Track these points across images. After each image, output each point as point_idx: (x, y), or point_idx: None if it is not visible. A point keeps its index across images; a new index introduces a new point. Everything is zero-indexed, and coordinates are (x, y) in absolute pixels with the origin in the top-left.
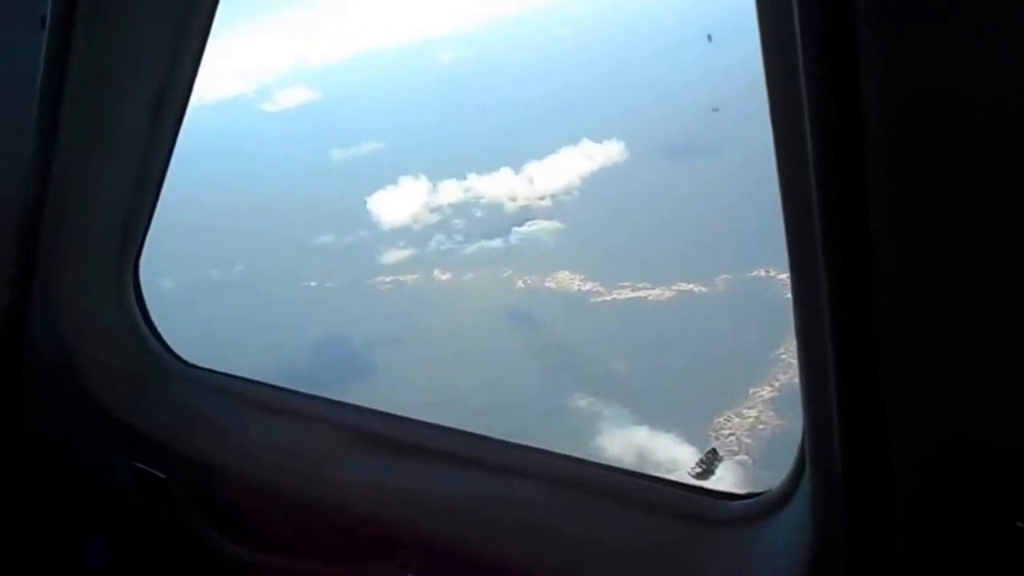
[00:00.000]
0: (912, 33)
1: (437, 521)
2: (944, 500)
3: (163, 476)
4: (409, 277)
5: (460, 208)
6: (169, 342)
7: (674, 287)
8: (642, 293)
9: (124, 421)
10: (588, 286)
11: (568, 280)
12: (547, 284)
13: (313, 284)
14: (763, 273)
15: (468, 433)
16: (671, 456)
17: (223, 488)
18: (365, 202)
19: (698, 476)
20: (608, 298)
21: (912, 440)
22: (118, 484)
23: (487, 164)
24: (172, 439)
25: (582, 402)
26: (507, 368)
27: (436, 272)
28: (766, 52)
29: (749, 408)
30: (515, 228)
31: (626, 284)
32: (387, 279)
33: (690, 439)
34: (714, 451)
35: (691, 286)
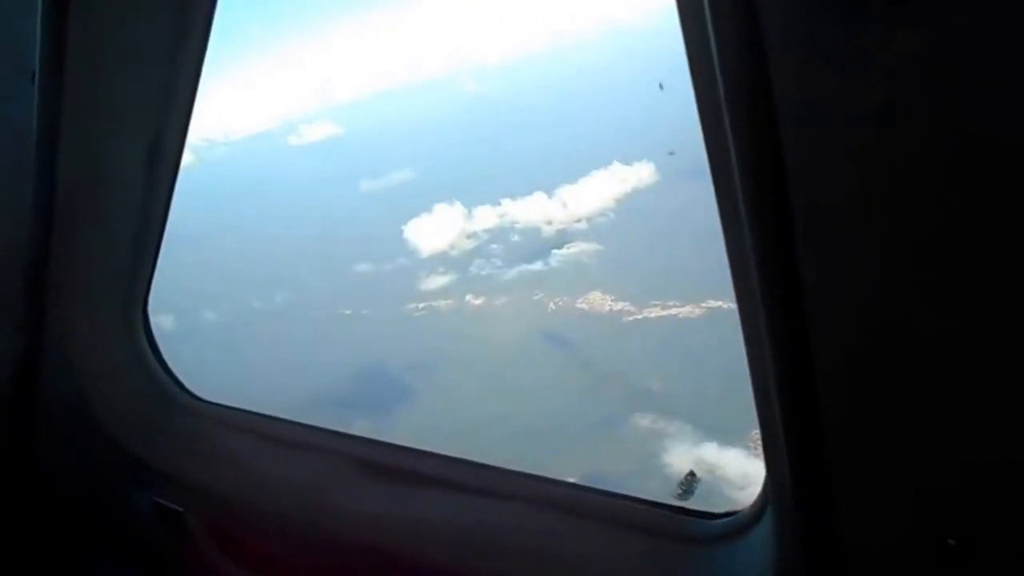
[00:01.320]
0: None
1: (445, 548)
2: (885, 522)
3: (180, 509)
4: (443, 303)
5: (496, 233)
6: (203, 375)
7: (703, 304)
8: (673, 311)
9: (140, 456)
10: (620, 306)
11: (600, 300)
12: (579, 305)
13: (348, 312)
14: None
15: (471, 462)
16: (742, 472)
17: (238, 519)
18: (401, 230)
19: (679, 497)
20: (640, 316)
21: (853, 470)
22: (136, 518)
23: (520, 189)
24: (187, 472)
25: (644, 420)
26: (555, 389)
27: (469, 297)
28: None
29: None
30: (555, 251)
31: (656, 303)
32: (420, 305)
33: (758, 454)
34: (692, 473)
35: (720, 303)
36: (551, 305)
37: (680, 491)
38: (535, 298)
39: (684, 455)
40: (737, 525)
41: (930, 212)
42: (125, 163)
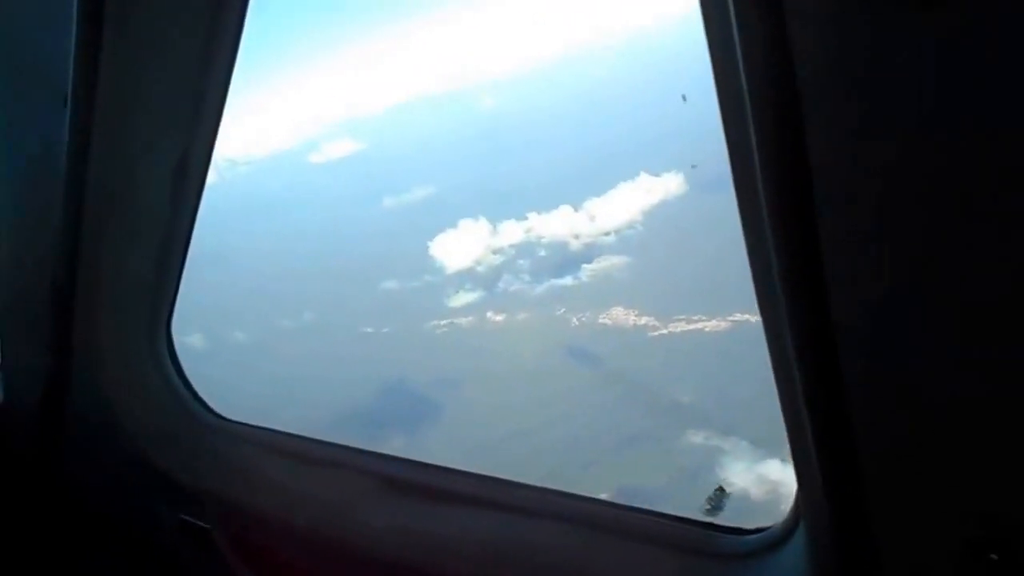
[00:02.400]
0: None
1: (472, 566)
2: (923, 535)
3: (206, 526)
4: (464, 320)
5: (522, 248)
6: (230, 393)
7: (729, 318)
8: (698, 325)
9: (165, 474)
10: (644, 320)
11: (623, 316)
12: (602, 320)
13: (369, 330)
14: None
15: (496, 478)
16: None
17: (263, 536)
18: (426, 247)
19: (708, 512)
20: (664, 331)
21: (888, 483)
22: (162, 536)
23: (545, 203)
24: (213, 490)
25: (697, 437)
26: (585, 404)
27: (490, 314)
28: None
29: None
30: (584, 265)
31: (681, 317)
32: (443, 323)
33: None
34: (721, 488)
35: (747, 316)
36: (574, 320)
37: (708, 507)
38: (558, 314)
39: (744, 473)
40: (768, 541)
41: (962, 222)
42: (151, 184)
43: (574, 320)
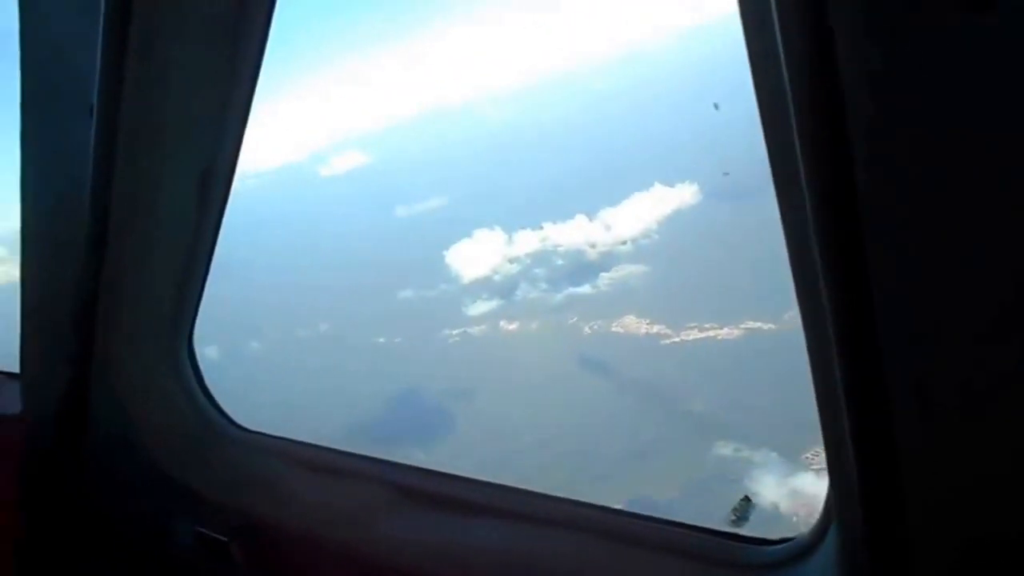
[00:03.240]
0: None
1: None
2: (960, 543)
3: (224, 539)
4: (476, 329)
5: (538, 257)
6: (243, 405)
7: (742, 325)
8: (710, 333)
9: (185, 486)
10: (655, 329)
11: (634, 324)
12: (614, 329)
13: (381, 340)
14: None
15: (516, 488)
16: None
17: (282, 548)
18: (441, 256)
19: (733, 524)
20: (676, 340)
21: (931, 499)
22: (181, 548)
23: (559, 213)
24: (232, 502)
25: (726, 449)
26: (603, 414)
27: (503, 323)
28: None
29: None
30: (603, 273)
31: (693, 325)
32: (455, 332)
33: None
34: (747, 498)
35: (759, 324)
36: (586, 329)
37: (734, 517)
38: (570, 322)
39: (781, 488)
40: (795, 551)
41: (1008, 219)
42: (176, 195)
43: (586, 329)
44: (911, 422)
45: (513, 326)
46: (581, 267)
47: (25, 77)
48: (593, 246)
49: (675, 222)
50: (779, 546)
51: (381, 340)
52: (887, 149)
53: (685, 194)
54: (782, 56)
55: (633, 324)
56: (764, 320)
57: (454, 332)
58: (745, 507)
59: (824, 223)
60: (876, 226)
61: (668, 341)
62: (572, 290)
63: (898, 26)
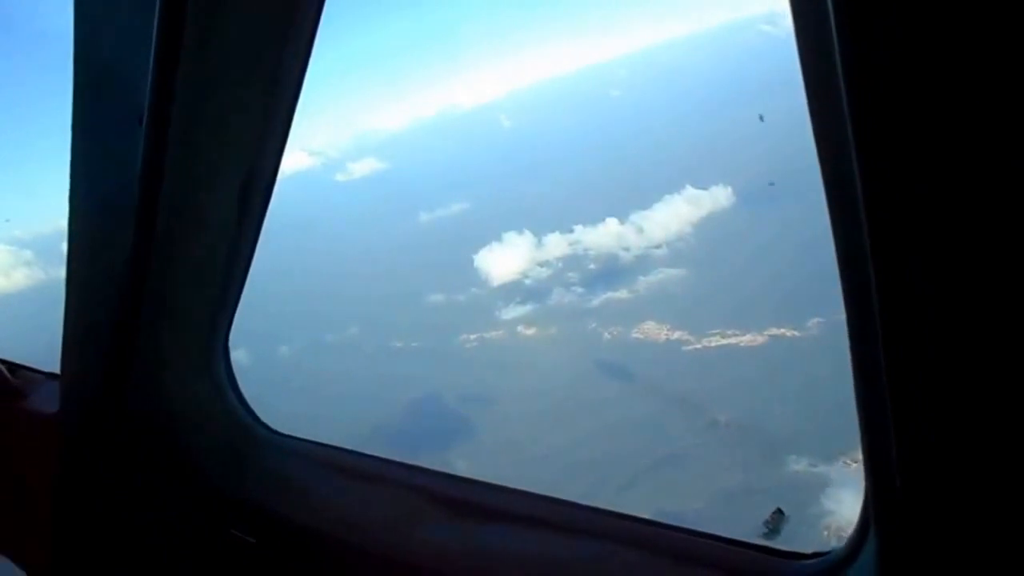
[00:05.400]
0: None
1: None
2: (1009, 564)
3: (253, 541)
4: (493, 334)
5: (569, 261)
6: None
7: (766, 332)
8: (732, 340)
9: (218, 488)
10: (676, 335)
11: (655, 330)
12: (634, 335)
13: (414, 344)
14: None
15: (545, 496)
16: None
17: (312, 551)
18: (471, 260)
19: (765, 536)
20: (698, 346)
21: (977, 507)
22: (211, 550)
23: (588, 217)
24: (263, 505)
25: (799, 465)
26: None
27: (520, 328)
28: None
29: None
30: (641, 277)
31: (715, 331)
32: (472, 337)
33: None
34: (780, 511)
35: (782, 330)
36: (606, 335)
37: (766, 530)
38: (590, 328)
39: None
40: (830, 564)
41: None
42: (219, 202)
43: (605, 335)
44: (957, 427)
45: (531, 331)
46: (616, 271)
47: (77, 84)
48: (627, 249)
49: (710, 226)
50: (813, 560)
51: (414, 344)
52: (944, 151)
53: (719, 196)
54: (836, 50)
55: (653, 330)
56: (789, 327)
57: (471, 337)
58: (777, 520)
59: (877, 226)
60: (934, 233)
61: (690, 347)
62: (610, 295)
63: (960, 26)
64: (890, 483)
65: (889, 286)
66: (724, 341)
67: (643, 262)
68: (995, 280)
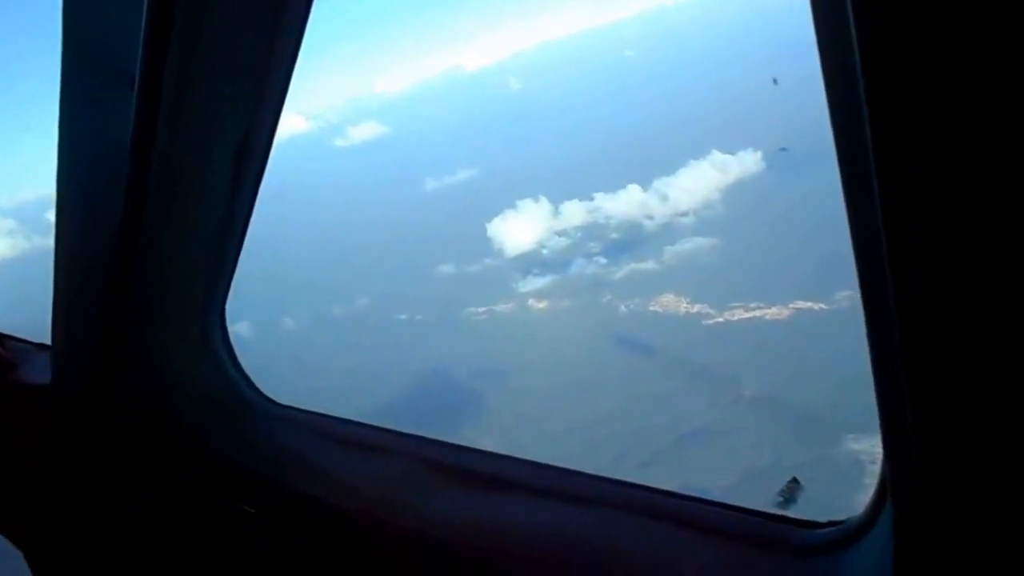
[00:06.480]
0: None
1: (532, 556)
2: None
3: (253, 511)
4: (503, 307)
5: (590, 230)
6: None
7: (791, 305)
8: (756, 313)
9: (215, 459)
10: (696, 308)
11: (674, 303)
12: (652, 308)
13: (419, 317)
14: None
15: (551, 466)
16: None
17: (313, 522)
18: (483, 229)
19: (780, 505)
20: (720, 320)
21: (1000, 468)
22: (208, 519)
23: (605, 184)
24: (263, 475)
25: (856, 444)
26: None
27: (530, 301)
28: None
29: None
30: (667, 247)
31: (737, 304)
32: (480, 310)
33: None
34: (795, 480)
35: (809, 304)
36: (622, 308)
37: (781, 499)
38: (604, 300)
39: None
40: (847, 532)
41: None
42: (213, 165)
43: (622, 307)
44: (974, 393)
45: (543, 304)
46: (640, 240)
47: (65, 45)
48: (651, 218)
49: (739, 192)
50: (827, 529)
51: (419, 317)
52: (962, 129)
53: (747, 162)
54: (852, 26)
55: (672, 303)
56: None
57: (480, 310)
58: (793, 489)
59: (891, 204)
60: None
61: (711, 321)
62: (635, 266)
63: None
64: (906, 450)
65: (901, 247)
66: (747, 315)
67: (669, 231)
68: (1008, 253)
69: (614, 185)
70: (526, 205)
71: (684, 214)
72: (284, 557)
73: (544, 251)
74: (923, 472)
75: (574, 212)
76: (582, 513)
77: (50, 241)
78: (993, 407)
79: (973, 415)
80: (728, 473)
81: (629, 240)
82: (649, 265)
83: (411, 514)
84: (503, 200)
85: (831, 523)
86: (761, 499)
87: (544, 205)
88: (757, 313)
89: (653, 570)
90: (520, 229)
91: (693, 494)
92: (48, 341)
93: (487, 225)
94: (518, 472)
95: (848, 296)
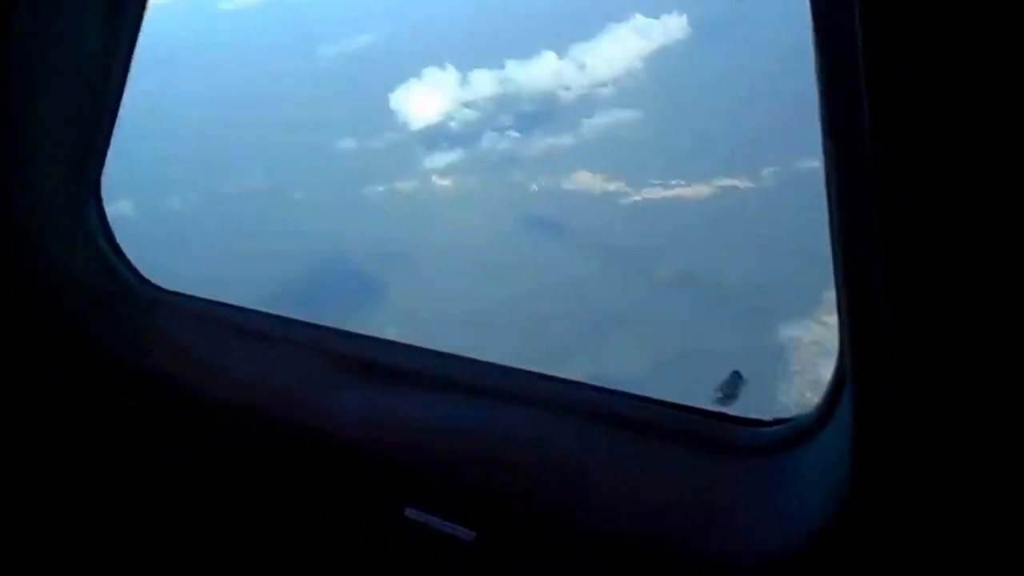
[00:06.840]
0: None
1: (436, 451)
2: (1011, 422)
3: (139, 406)
4: (406, 184)
5: (501, 101)
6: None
7: (714, 183)
8: (677, 192)
9: (95, 350)
10: (613, 186)
11: (589, 180)
12: (565, 186)
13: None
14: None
15: (465, 358)
16: None
17: (205, 418)
18: (385, 100)
19: (719, 402)
20: (637, 198)
21: (970, 348)
22: (90, 414)
23: (519, 50)
24: (149, 368)
25: (792, 332)
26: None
27: (434, 178)
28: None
29: None
30: (585, 120)
31: (657, 182)
32: (380, 188)
33: None
34: (737, 373)
35: (735, 182)
36: (533, 186)
37: (720, 395)
38: (513, 180)
39: None
40: (796, 431)
41: None
42: (82, 24)
43: (532, 186)
44: (954, 257)
45: (447, 182)
46: (556, 113)
47: None
48: (567, 88)
49: (662, 61)
50: (776, 427)
51: (315, 196)
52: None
53: (672, 27)
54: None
55: (587, 180)
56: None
57: (379, 189)
58: (735, 384)
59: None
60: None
61: (628, 200)
62: (552, 141)
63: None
64: (872, 325)
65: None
66: (667, 192)
67: (587, 102)
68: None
69: (528, 52)
70: (432, 74)
71: (603, 84)
72: (170, 455)
73: (452, 124)
74: (890, 350)
75: (484, 81)
76: (495, 408)
77: None
78: (975, 279)
79: (951, 287)
80: (645, 360)
81: (544, 112)
82: (566, 140)
83: (306, 408)
84: (406, 68)
85: (778, 420)
86: (689, 393)
87: (451, 74)
88: (678, 192)
89: (577, 476)
90: (425, 100)
91: (624, 389)
92: None
93: (389, 95)
94: (421, 363)
95: (775, 172)
